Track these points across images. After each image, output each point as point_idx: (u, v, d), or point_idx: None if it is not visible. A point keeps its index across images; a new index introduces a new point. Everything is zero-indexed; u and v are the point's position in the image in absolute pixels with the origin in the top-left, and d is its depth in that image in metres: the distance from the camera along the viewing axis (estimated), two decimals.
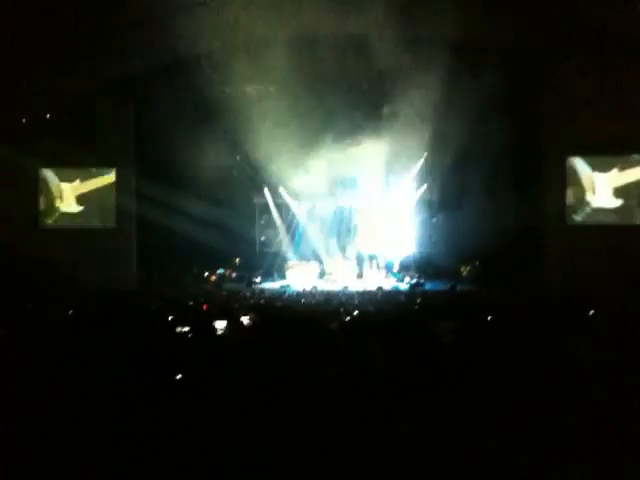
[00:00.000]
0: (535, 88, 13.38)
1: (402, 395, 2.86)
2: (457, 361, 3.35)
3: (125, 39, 12.38)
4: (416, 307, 7.74)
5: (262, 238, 17.75)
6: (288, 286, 14.19)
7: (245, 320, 5.99)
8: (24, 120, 13.74)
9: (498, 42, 12.06)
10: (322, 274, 16.00)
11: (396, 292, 12.94)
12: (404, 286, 14.60)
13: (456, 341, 3.96)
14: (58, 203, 14.81)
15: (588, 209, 13.74)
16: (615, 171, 13.55)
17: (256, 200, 17.49)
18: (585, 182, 13.73)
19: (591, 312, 6.13)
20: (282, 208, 17.37)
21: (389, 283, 15.06)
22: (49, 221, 14.83)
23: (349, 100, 14.55)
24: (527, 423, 2.60)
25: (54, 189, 14.80)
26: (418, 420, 2.64)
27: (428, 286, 14.42)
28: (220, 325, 5.33)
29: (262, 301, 9.74)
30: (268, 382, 2.93)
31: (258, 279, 15.69)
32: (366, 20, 11.65)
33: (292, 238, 17.38)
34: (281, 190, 16.97)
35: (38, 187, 14.67)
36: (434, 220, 17.15)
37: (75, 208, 14.85)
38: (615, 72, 12.21)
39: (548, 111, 13.41)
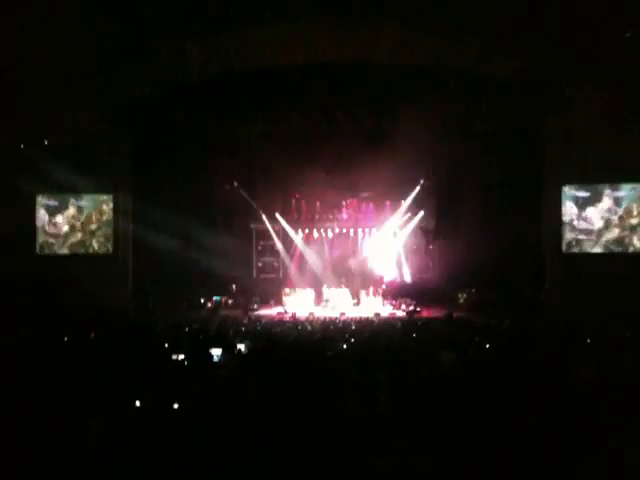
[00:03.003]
0: (536, 117, 13.42)
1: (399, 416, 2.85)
2: (456, 387, 3.33)
3: (125, 69, 12.54)
4: (414, 335, 7.70)
5: (259, 264, 17.74)
6: (284, 312, 14.10)
7: (242, 347, 5.95)
8: (22, 147, 13.83)
9: (499, 71, 12.17)
10: (319, 300, 15.91)
11: (393, 319, 12.86)
12: (401, 313, 14.53)
13: (455, 368, 3.94)
14: (54, 229, 14.80)
15: (584, 237, 13.79)
16: (611, 200, 13.62)
17: (253, 226, 17.53)
18: (581, 211, 13.80)
19: (588, 340, 6.12)
20: (279, 234, 17.42)
21: (386, 310, 14.99)
22: (45, 247, 14.80)
23: (346, 126, 14.71)
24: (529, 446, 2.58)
25: (51, 216, 14.81)
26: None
27: (425, 313, 14.34)
28: (216, 352, 5.29)
29: (258, 327, 9.68)
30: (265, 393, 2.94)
31: (255, 306, 15.60)
32: (367, 46, 11.79)
33: (289, 264, 17.38)
34: (278, 216, 17.05)
35: (35, 214, 14.70)
36: (430, 247, 17.20)
37: (72, 234, 14.84)
38: (617, 102, 12.28)
39: (548, 140, 13.47)
